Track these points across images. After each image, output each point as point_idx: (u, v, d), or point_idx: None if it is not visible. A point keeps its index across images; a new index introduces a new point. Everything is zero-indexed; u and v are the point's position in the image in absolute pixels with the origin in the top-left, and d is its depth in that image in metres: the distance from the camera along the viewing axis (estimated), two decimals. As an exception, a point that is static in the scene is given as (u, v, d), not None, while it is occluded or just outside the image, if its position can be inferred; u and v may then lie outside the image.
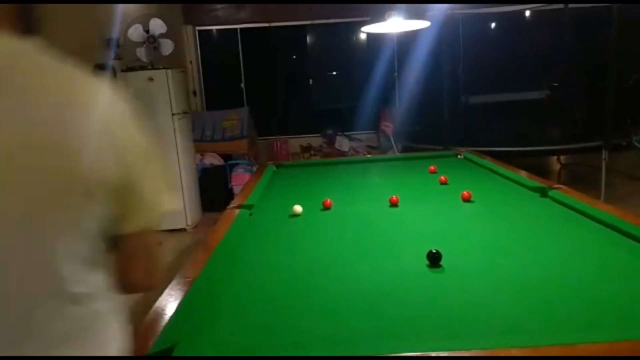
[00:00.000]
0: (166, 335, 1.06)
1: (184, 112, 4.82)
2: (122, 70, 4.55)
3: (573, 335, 1.06)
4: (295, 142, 7.83)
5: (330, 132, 7.40)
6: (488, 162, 3.07)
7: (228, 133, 6.93)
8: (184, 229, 4.69)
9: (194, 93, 7.56)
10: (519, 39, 7.79)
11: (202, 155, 6.50)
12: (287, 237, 1.90)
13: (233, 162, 6.02)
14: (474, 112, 7.67)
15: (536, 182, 2.41)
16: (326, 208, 2.27)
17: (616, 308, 1.19)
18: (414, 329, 1.15)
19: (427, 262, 1.51)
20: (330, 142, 6.88)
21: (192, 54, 7.48)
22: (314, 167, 3.60)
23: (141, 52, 4.55)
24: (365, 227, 1.99)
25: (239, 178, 5.43)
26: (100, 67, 3.88)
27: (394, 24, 2.92)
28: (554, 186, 2.29)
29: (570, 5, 6.11)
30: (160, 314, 1.18)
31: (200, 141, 6.82)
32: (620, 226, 1.68)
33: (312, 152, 7.65)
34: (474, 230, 1.87)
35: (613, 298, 1.24)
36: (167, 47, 4.65)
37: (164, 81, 4.53)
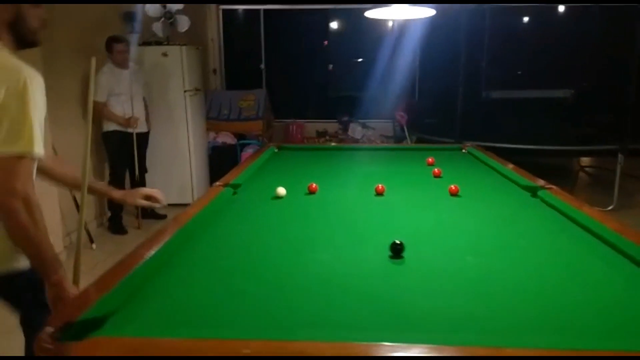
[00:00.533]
0: (99, 307, 1.08)
1: (197, 89, 4.85)
2: (138, 44, 4.59)
3: (512, 337, 1.03)
4: (312, 127, 7.81)
5: (345, 118, 7.36)
6: (488, 157, 3.00)
7: (244, 113, 6.96)
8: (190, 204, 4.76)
9: (214, 71, 7.60)
10: (547, 35, 7.59)
11: (216, 133, 6.56)
12: (260, 219, 1.90)
13: (244, 142, 6.05)
14: (494, 107, 7.53)
15: (529, 181, 2.35)
16: (311, 192, 2.27)
17: (574, 314, 1.16)
18: (357, 318, 1.14)
19: (389, 253, 1.50)
20: (345, 128, 6.84)
21: (215, 32, 7.49)
22: (315, 152, 3.59)
23: (157, 27, 4.58)
24: (342, 214, 1.98)
25: (248, 158, 5.46)
26: (114, 39, 3.93)
27: (398, 10, 2.85)
28: (546, 187, 2.23)
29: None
30: (102, 283, 1.20)
31: (216, 119, 6.88)
32: (600, 232, 1.63)
33: (328, 138, 7.63)
34: (451, 225, 1.84)
35: (574, 305, 1.21)
36: (183, 23, 4.67)
37: (177, 57, 4.56)
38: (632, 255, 1.44)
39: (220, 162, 5.54)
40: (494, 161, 2.89)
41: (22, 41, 1.40)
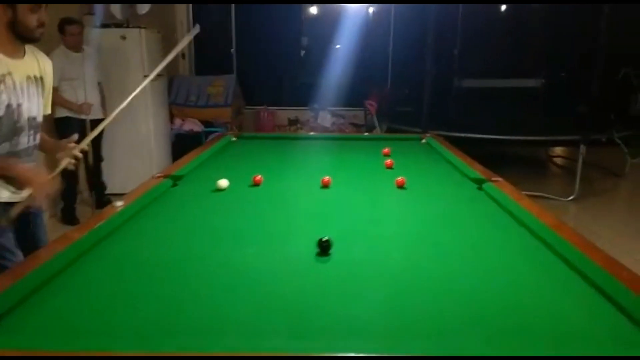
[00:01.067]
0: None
1: (158, 74, 4.68)
2: (96, 26, 4.43)
3: (425, 343, 0.99)
4: (284, 114, 7.71)
5: (317, 106, 7.28)
6: (445, 148, 2.97)
7: (212, 99, 6.81)
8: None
9: (183, 56, 7.41)
10: (520, 25, 7.59)
11: (182, 120, 6.42)
12: (193, 213, 1.83)
13: (209, 129, 5.93)
14: (464, 97, 7.52)
15: (478, 173, 2.32)
16: (255, 184, 2.20)
17: (493, 318, 1.12)
18: (265, 323, 1.08)
19: (316, 249, 1.45)
20: (315, 116, 6.77)
21: (184, 14, 7.29)
22: (274, 141, 3.52)
23: (116, 9, 4.41)
24: (281, 208, 1.92)
25: (212, 146, 5.35)
26: (66, 21, 3.76)
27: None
28: (492, 179, 2.21)
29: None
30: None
31: (183, 105, 6.72)
32: (535, 228, 1.61)
33: (299, 126, 7.55)
34: (388, 220, 1.80)
35: (494, 308, 1.17)
36: (143, 5, 4.50)
37: (137, 41, 4.41)
38: (562, 254, 1.41)
39: (184, 150, 5.35)
40: (449, 152, 2.86)
41: (22, 38, 1.75)
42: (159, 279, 1.28)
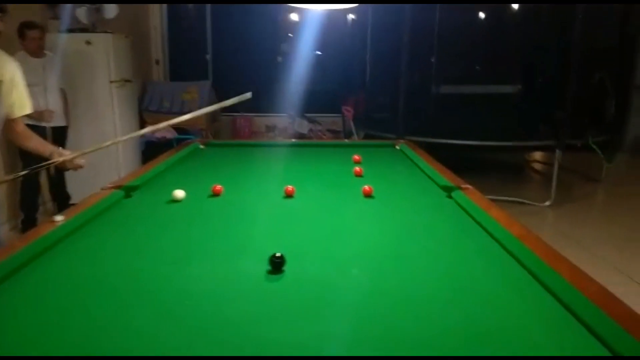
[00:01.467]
0: None
1: (125, 80, 4.56)
2: (60, 31, 4.27)
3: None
4: (261, 121, 7.61)
5: (294, 112, 7.18)
6: (417, 155, 2.89)
7: (187, 106, 6.67)
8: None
9: (157, 61, 7.28)
10: (498, 31, 7.60)
11: (155, 127, 6.26)
12: (140, 227, 1.71)
13: (181, 137, 5.79)
14: (441, 102, 7.49)
15: (448, 181, 2.24)
16: (215, 194, 2.09)
17: (449, 338, 1.02)
18: (203, 350, 0.97)
19: (268, 266, 1.34)
20: (292, 123, 6.67)
21: (157, 19, 7.16)
22: (243, 148, 3.41)
23: (81, 14, 4.27)
24: (238, 220, 1.81)
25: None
26: (26, 25, 3.60)
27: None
28: (462, 186, 2.13)
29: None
30: None
31: (156, 112, 6.58)
32: (501, 238, 1.52)
33: (277, 132, 7.45)
34: (350, 232, 1.70)
35: (452, 327, 1.07)
36: (110, 9, 4.37)
37: (103, 46, 4.26)
38: (526, 265, 1.33)
39: (154, 159, 5.26)
40: (421, 159, 2.78)
41: None
42: (85, 303, 1.15)
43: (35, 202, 3.93)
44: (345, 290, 1.26)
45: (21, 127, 2.21)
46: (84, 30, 4.37)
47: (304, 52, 7.98)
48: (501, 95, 7.46)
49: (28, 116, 3.61)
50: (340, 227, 1.74)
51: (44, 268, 1.33)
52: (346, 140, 5.54)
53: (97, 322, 1.07)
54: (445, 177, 2.31)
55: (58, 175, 4.01)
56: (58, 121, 3.82)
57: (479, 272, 1.34)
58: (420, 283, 1.28)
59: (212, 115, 6.92)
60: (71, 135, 4.20)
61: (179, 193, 2.01)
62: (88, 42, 4.23)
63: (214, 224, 1.75)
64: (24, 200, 3.88)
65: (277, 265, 1.34)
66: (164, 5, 7.23)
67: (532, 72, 7.39)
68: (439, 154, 6.53)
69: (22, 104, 2.13)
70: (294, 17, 7.77)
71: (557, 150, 4.55)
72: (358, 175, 2.50)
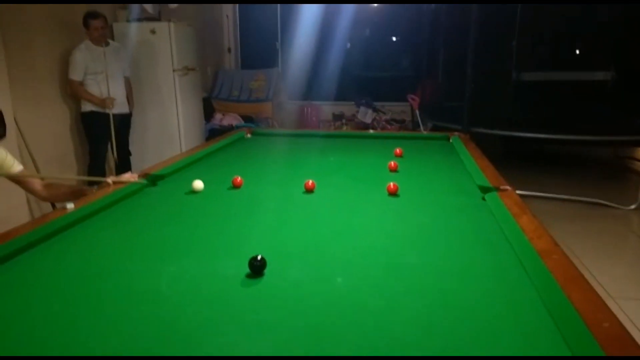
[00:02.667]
0: None
1: (188, 69, 4.67)
2: (127, 20, 4.46)
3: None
4: (329, 109, 7.53)
5: (363, 100, 7.02)
6: (467, 149, 2.66)
7: (254, 94, 6.77)
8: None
9: (229, 50, 7.44)
10: (586, 10, 6.88)
11: (223, 114, 6.42)
12: (143, 220, 1.69)
13: (248, 124, 5.87)
14: (522, 91, 6.94)
15: (487, 180, 2.02)
16: (235, 187, 2.04)
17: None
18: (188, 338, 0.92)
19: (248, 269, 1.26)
20: (357, 111, 6.52)
21: (229, 8, 7.29)
22: (288, 138, 3.36)
23: (147, 3, 4.42)
24: (245, 216, 1.74)
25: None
26: (90, 15, 3.79)
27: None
28: (501, 187, 1.90)
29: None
30: None
31: (226, 100, 6.75)
32: (522, 252, 1.32)
33: (344, 121, 7.34)
34: (358, 234, 1.56)
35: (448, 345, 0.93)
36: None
37: (165, 35, 4.39)
38: (540, 289, 1.13)
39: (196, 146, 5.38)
40: (468, 154, 2.55)
41: None
42: (58, 297, 1.14)
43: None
44: (321, 301, 1.14)
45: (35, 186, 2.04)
46: (150, 19, 4.52)
47: (372, 39, 7.76)
48: (591, 83, 6.77)
49: (91, 103, 3.87)
50: (347, 228, 1.61)
51: (32, 259, 1.34)
52: (423, 131, 5.29)
53: (70, 318, 1.05)
54: (487, 176, 2.08)
55: (124, 160, 4.20)
56: (121, 108, 3.99)
57: (480, 294, 1.16)
58: (403, 302, 1.13)
59: (279, 104, 6.96)
60: (136, 122, 4.39)
61: (198, 184, 1.98)
62: (152, 31, 4.38)
63: (217, 219, 1.70)
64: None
65: (256, 268, 1.25)
66: (237, -6, 7.34)
67: (627, 57, 6.62)
68: (514, 147, 6.08)
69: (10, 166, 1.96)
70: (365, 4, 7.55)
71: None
72: (393, 170, 2.34)
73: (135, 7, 4.42)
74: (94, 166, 3.95)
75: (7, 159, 1.94)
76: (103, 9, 4.02)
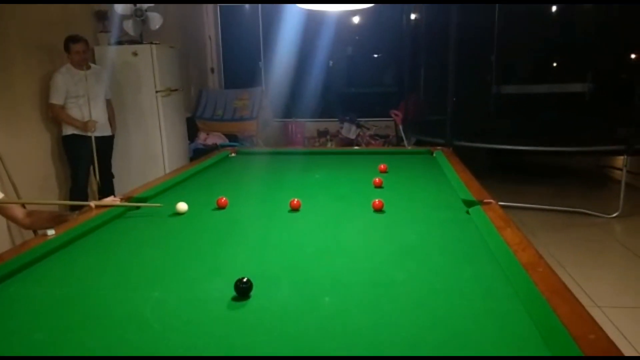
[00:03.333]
0: None
1: (171, 90, 4.66)
2: (109, 44, 4.46)
3: None
4: (313, 126, 7.57)
5: (347, 117, 7.07)
6: (450, 163, 2.69)
7: (238, 113, 6.78)
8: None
9: (212, 70, 7.46)
10: (563, 27, 7.07)
11: (207, 134, 6.41)
12: (126, 244, 1.66)
13: (232, 144, 5.86)
14: (502, 104, 7.06)
15: (471, 194, 2.04)
16: (220, 207, 2.03)
17: None
18: None
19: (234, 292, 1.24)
20: (340, 128, 6.55)
21: (212, 29, 7.34)
22: (272, 157, 3.36)
23: (128, 26, 4.42)
24: (229, 237, 1.73)
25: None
26: (71, 39, 3.78)
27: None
28: (485, 201, 1.92)
29: None
30: None
31: (210, 119, 6.74)
32: (504, 264, 1.33)
33: (329, 137, 7.38)
34: (343, 252, 1.56)
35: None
36: (155, 21, 4.49)
37: (148, 57, 4.39)
38: (525, 301, 1.13)
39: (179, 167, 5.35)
40: (452, 168, 2.57)
41: None
42: (39, 325, 1.11)
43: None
44: (309, 321, 1.13)
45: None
46: (132, 42, 4.52)
47: (355, 55, 7.84)
48: (569, 94, 6.91)
49: (72, 126, 3.84)
50: (333, 247, 1.61)
51: (13, 286, 1.31)
52: (408, 146, 5.33)
53: (52, 346, 1.02)
54: (470, 190, 2.10)
55: (106, 182, 4.15)
56: (103, 131, 3.96)
57: (467, 309, 1.16)
58: (391, 316, 1.12)
59: (264, 122, 6.97)
60: (119, 144, 4.36)
61: (181, 206, 1.97)
62: (135, 54, 4.38)
63: (201, 241, 1.68)
64: (74, 209, 4.07)
65: (242, 290, 1.24)
66: (218, 15, 7.40)
67: (603, 68, 6.79)
68: (497, 159, 6.13)
69: None
70: (344, 19, 7.64)
71: (625, 156, 4.09)
72: (378, 186, 2.35)
73: (116, 30, 4.42)
74: (76, 190, 3.90)
75: None
76: (84, 32, 4.02)
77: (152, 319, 1.14)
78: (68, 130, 3.82)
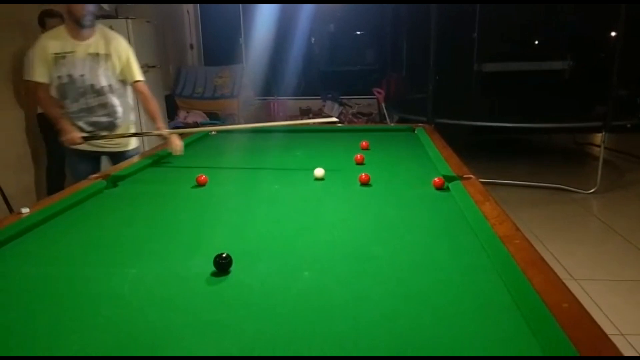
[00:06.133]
0: None
1: (148, 66, 4.56)
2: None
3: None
4: (295, 104, 7.51)
5: (329, 95, 7.03)
6: (431, 140, 2.69)
7: (219, 91, 6.69)
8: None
9: (191, 46, 7.31)
10: (539, 7, 7.07)
11: (187, 112, 6.32)
12: (104, 221, 1.64)
13: (213, 122, 5.79)
14: (487, 81, 7.08)
15: (451, 169, 2.05)
16: (199, 185, 2.01)
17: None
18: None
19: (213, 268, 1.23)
20: (323, 106, 6.52)
21: (190, 4, 7.16)
22: (254, 134, 3.32)
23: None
24: (209, 213, 1.71)
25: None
26: (47, 14, 3.65)
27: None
28: (465, 176, 1.93)
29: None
30: None
31: (190, 97, 6.64)
32: (482, 237, 1.35)
33: (311, 116, 7.33)
34: (323, 227, 1.56)
35: (412, 338, 0.93)
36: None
37: (123, 32, 4.26)
38: (501, 273, 1.15)
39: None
40: (433, 144, 2.58)
41: (78, 24, 2.52)
42: (15, 304, 1.10)
43: (62, 188, 4.03)
44: (288, 295, 1.13)
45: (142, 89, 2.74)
46: (107, 17, 4.39)
47: (337, 33, 7.76)
48: (550, 72, 6.96)
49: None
50: (313, 222, 1.60)
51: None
52: (390, 123, 5.33)
53: (28, 325, 1.01)
54: (450, 165, 2.11)
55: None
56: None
57: (444, 282, 1.17)
58: (370, 290, 1.13)
59: (245, 100, 6.89)
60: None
61: (319, 172, 2.06)
62: (110, 28, 4.24)
63: (181, 218, 1.66)
64: (51, 188, 3.99)
65: (222, 266, 1.23)
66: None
67: (585, 46, 6.84)
68: (478, 137, 6.16)
69: (132, 72, 2.67)
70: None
71: (604, 132, 4.14)
72: (359, 163, 2.35)
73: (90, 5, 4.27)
74: (53, 168, 3.82)
75: None
76: (57, 7, 3.88)
77: (129, 296, 1.14)
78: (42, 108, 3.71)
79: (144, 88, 2.74)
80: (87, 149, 2.64)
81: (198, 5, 7.25)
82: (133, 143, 2.87)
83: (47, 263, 1.32)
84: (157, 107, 2.79)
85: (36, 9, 3.69)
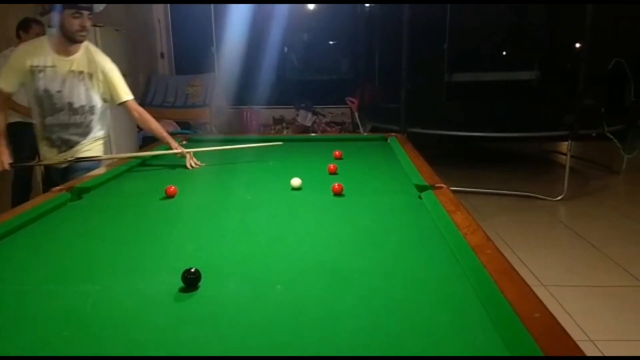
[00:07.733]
0: None
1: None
2: (49, 27, 4.20)
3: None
4: (269, 113, 7.48)
5: (302, 104, 7.03)
6: (402, 149, 2.71)
7: (190, 100, 6.61)
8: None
9: (162, 55, 7.22)
10: (508, 19, 7.26)
11: (157, 121, 6.20)
12: (63, 236, 1.57)
13: (183, 131, 5.71)
14: (457, 91, 7.21)
15: (423, 179, 2.05)
16: (168, 196, 1.96)
17: None
18: None
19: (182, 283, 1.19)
20: (296, 115, 6.51)
21: (161, 11, 7.08)
22: (224, 144, 3.27)
23: (70, 8, 4.18)
24: (181, 226, 1.67)
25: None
26: (33, 21, 3.56)
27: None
28: (436, 185, 1.94)
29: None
30: None
31: (160, 106, 6.54)
32: (454, 247, 1.35)
33: (285, 125, 7.31)
34: (293, 240, 1.53)
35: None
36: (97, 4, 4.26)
37: (92, 40, 4.16)
38: (473, 283, 1.15)
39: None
40: (405, 154, 2.59)
41: (68, 39, 2.44)
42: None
43: (27, 200, 3.90)
44: (261, 311, 1.10)
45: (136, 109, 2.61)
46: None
47: (311, 42, 7.79)
48: (518, 82, 7.14)
49: (17, 112, 3.62)
50: (286, 234, 1.57)
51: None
52: (364, 132, 5.35)
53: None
54: (422, 175, 2.12)
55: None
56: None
57: (418, 293, 1.16)
58: (344, 302, 1.11)
59: (218, 109, 6.82)
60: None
61: (295, 182, 2.04)
62: (78, 37, 4.14)
63: (149, 230, 1.61)
64: (15, 200, 3.85)
65: (190, 281, 1.19)
66: (167, -3, 7.15)
67: (552, 57, 7.04)
68: (449, 146, 6.25)
69: (118, 92, 2.55)
70: (296, 6, 7.56)
71: (569, 141, 4.25)
72: (332, 173, 2.34)
73: (56, 12, 4.17)
74: (19, 180, 3.69)
75: None
76: (22, 14, 3.78)
77: (91, 315, 1.09)
78: (14, 118, 3.59)
79: (136, 106, 2.60)
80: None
81: (169, 13, 7.18)
82: (97, 150, 2.71)
83: (2, 279, 1.26)
84: (158, 125, 2.65)
85: (13, 16, 3.60)
